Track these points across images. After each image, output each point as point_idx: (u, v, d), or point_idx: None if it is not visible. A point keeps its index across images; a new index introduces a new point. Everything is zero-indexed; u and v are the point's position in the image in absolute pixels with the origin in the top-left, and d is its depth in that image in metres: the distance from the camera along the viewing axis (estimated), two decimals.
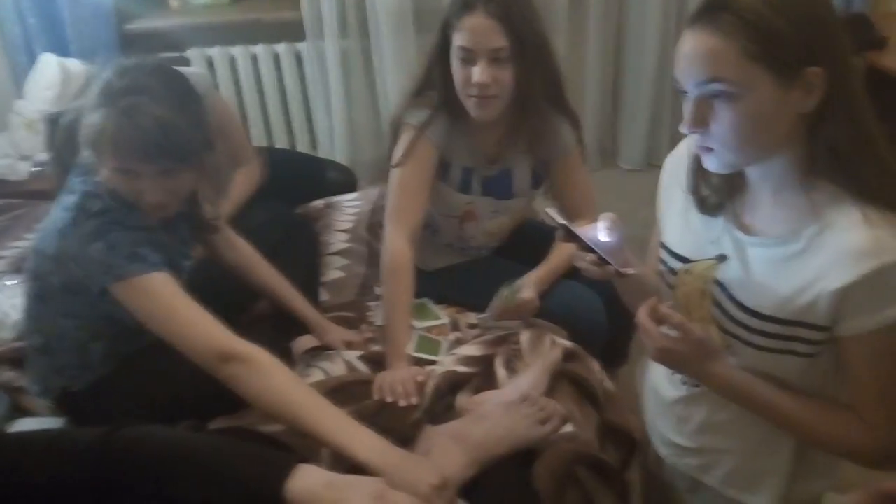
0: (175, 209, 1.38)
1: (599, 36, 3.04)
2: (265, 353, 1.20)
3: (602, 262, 1.05)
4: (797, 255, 0.95)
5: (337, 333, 1.61)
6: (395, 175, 1.62)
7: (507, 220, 1.78)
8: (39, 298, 1.40)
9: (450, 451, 1.13)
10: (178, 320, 1.24)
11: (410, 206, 1.61)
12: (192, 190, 1.41)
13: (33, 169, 2.60)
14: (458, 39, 1.49)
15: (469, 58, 1.49)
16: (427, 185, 1.63)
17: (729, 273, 1.02)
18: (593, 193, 1.76)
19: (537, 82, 1.54)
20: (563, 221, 1.07)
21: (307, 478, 0.93)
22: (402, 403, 1.34)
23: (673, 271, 1.10)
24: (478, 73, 1.48)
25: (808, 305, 0.94)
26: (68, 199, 1.32)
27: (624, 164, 3.30)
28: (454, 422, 1.25)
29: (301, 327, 1.63)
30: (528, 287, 1.60)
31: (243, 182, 1.96)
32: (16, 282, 1.80)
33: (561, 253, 1.67)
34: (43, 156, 2.61)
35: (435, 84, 1.59)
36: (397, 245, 1.57)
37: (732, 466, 1.13)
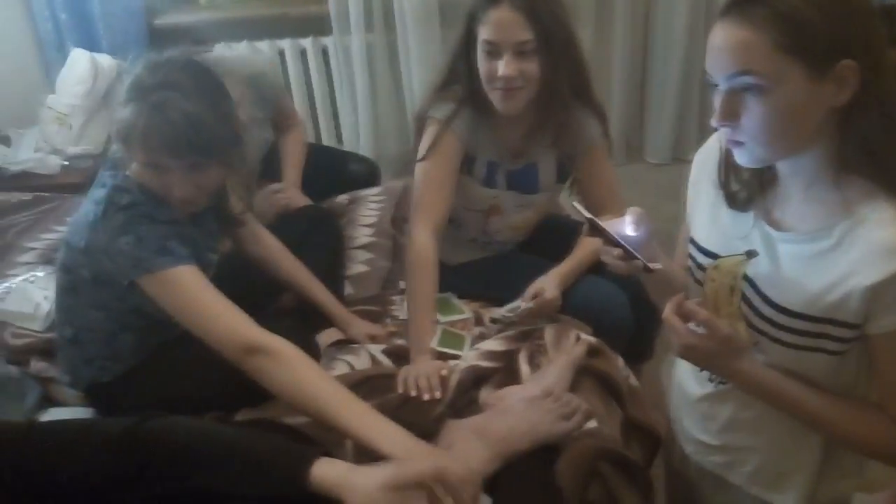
0: (203, 204, 1.40)
1: (626, 29, 3.01)
2: (291, 345, 1.21)
3: (629, 256, 1.04)
4: (828, 251, 0.93)
5: (361, 327, 1.62)
6: (420, 169, 1.62)
7: (531, 215, 1.77)
8: (70, 290, 1.43)
9: (472, 445, 1.13)
10: (205, 313, 1.25)
11: (435, 200, 1.61)
12: (221, 185, 1.42)
13: (64, 163, 2.64)
14: (484, 33, 1.49)
15: (494, 51, 1.49)
16: (452, 180, 1.62)
17: (758, 269, 1.01)
18: (619, 188, 1.74)
19: (563, 75, 1.53)
20: (589, 216, 1.06)
21: (331, 467, 0.93)
22: (426, 397, 1.34)
23: (701, 267, 1.09)
24: (503, 66, 1.48)
25: (839, 302, 0.92)
26: (98, 193, 1.34)
27: (650, 159, 3.27)
28: (477, 416, 1.25)
29: (326, 320, 1.64)
30: (551, 286, 1.59)
31: (296, 145, 2.18)
32: (46, 273, 1.84)
33: (585, 248, 1.66)
34: (74, 150, 2.66)
35: (459, 78, 1.59)
36: (422, 239, 1.57)
37: (758, 465, 1.12)
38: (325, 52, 3.01)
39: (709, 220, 1.10)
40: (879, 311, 0.90)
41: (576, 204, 1.12)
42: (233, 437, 0.99)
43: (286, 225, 1.82)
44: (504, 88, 1.51)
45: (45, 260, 1.97)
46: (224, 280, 1.35)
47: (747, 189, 1.04)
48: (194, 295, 1.27)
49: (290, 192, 2.05)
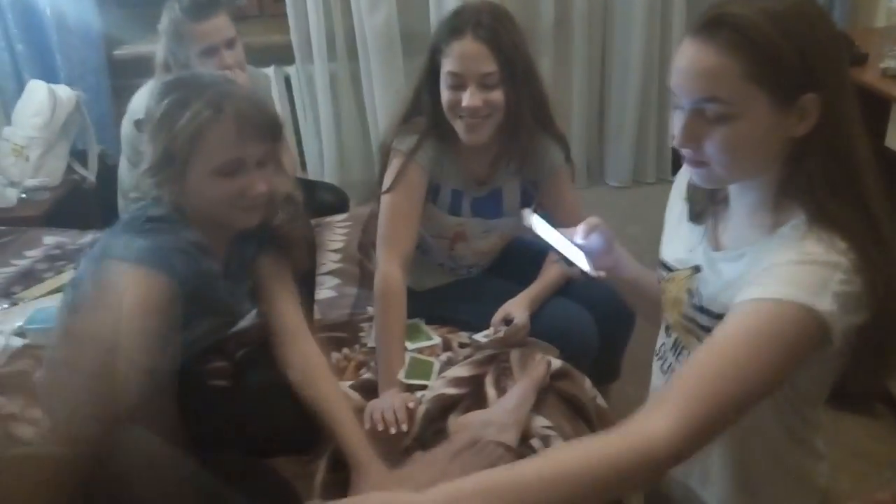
0: (263, 212, 1.31)
1: (584, 56, 3.07)
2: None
3: (566, 262, 1.07)
4: (746, 265, 0.94)
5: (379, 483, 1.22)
6: (385, 201, 1.62)
7: (497, 240, 1.79)
8: (71, 308, 1.31)
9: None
10: (138, 330, 1.08)
11: (402, 232, 1.61)
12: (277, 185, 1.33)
13: (21, 195, 2.59)
14: (448, 65, 1.50)
15: (459, 83, 1.50)
16: (418, 210, 1.63)
17: (700, 284, 1.02)
18: (581, 211, 1.77)
19: (526, 104, 1.56)
20: (529, 223, 1.09)
21: None
22: (392, 431, 1.33)
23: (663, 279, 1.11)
24: (468, 97, 1.49)
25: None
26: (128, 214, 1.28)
27: (611, 182, 3.33)
28: (405, 468, 1.24)
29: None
30: (519, 310, 1.61)
31: (289, 164, 2.09)
32: (2, 308, 1.79)
33: (552, 271, 1.69)
34: (31, 182, 2.61)
35: (423, 109, 1.60)
36: (389, 271, 1.57)
37: (728, 482, 1.13)
38: (287, 81, 3.02)
39: (672, 234, 1.12)
40: (751, 285, 0.87)
41: (525, 212, 1.14)
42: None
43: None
44: (469, 120, 1.53)
45: (2, 294, 1.92)
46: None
47: (700, 204, 1.06)
48: (140, 310, 1.09)
49: None
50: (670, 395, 0.84)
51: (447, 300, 1.77)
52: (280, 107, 3.00)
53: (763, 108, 0.87)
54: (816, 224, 0.89)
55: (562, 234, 1.11)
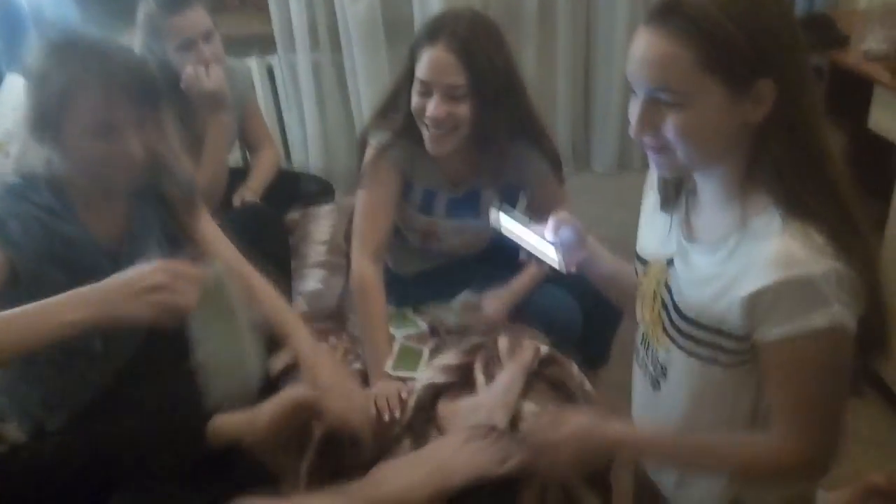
0: (143, 173, 1.32)
1: (568, 42, 3.06)
2: None
3: (535, 259, 1.10)
4: (722, 262, 0.94)
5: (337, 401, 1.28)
6: (359, 197, 1.63)
7: (472, 238, 1.77)
8: None
9: (402, 469, 1.13)
10: None
11: (373, 228, 1.62)
12: (159, 150, 1.34)
13: None
14: (418, 70, 1.48)
15: (426, 90, 1.48)
16: (390, 207, 1.63)
17: (674, 276, 1.02)
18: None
19: (498, 119, 1.51)
20: (496, 223, 1.13)
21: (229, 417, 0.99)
22: (386, 417, 1.34)
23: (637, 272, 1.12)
24: (432, 107, 1.47)
25: (723, 313, 0.94)
26: None
27: (597, 168, 3.33)
28: (412, 453, 1.25)
29: None
30: (495, 303, 1.61)
31: (267, 160, 2.18)
32: None
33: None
34: (11, 178, 2.58)
35: (400, 106, 1.57)
36: (362, 267, 1.58)
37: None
38: (270, 71, 2.99)
39: (647, 226, 1.13)
40: (761, 320, 0.91)
41: (491, 211, 1.14)
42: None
43: (229, 226, 1.76)
44: (433, 130, 1.50)
45: None
46: None
47: (669, 192, 1.07)
48: None
49: (245, 195, 2.06)
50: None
51: (432, 285, 1.76)
52: (263, 98, 2.98)
53: (716, 95, 0.87)
54: (790, 216, 0.89)
55: (532, 230, 1.11)
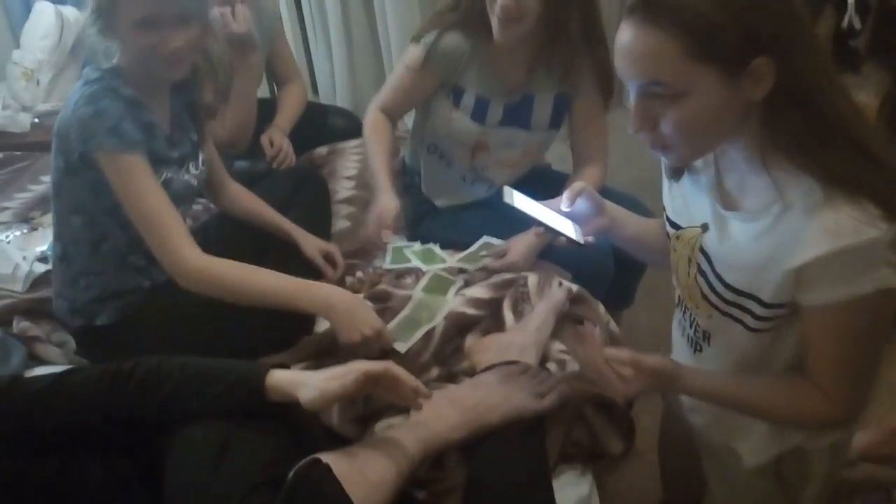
0: (187, 66, 1.39)
1: None
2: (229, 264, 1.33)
3: (549, 232, 1.10)
4: (765, 232, 0.93)
5: (314, 243, 1.65)
6: (394, 73, 1.73)
7: (518, 156, 1.76)
8: (55, 196, 1.43)
9: (443, 409, 1.14)
10: (145, 206, 1.31)
11: (396, 99, 1.74)
12: (200, 51, 1.43)
13: (34, 120, 2.58)
14: None
15: None
16: (417, 94, 1.72)
17: (711, 243, 1.01)
18: (608, 144, 1.74)
19: (571, 14, 1.52)
20: (509, 200, 1.12)
21: (283, 373, 1.03)
22: (385, 240, 1.58)
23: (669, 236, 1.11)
24: None
25: (763, 282, 0.94)
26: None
27: (630, 104, 3.25)
28: (453, 386, 1.26)
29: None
30: (520, 248, 1.59)
31: (295, 95, 2.17)
32: (23, 232, 1.81)
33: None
34: (43, 106, 2.60)
35: (463, 2, 1.58)
36: (376, 115, 1.72)
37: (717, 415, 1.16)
38: (298, 3, 2.94)
39: (671, 190, 1.11)
40: (808, 288, 0.90)
41: (504, 188, 1.15)
42: (196, 365, 1.03)
43: (272, 184, 1.81)
44: (501, 17, 1.49)
45: (22, 219, 1.95)
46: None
47: (670, 170, 1.08)
48: (136, 187, 1.31)
49: (274, 135, 2.03)
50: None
51: (462, 223, 1.77)
52: (290, 31, 2.94)
53: (711, 82, 0.84)
54: (830, 185, 0.86)
55: (546, 204, 1.11)
